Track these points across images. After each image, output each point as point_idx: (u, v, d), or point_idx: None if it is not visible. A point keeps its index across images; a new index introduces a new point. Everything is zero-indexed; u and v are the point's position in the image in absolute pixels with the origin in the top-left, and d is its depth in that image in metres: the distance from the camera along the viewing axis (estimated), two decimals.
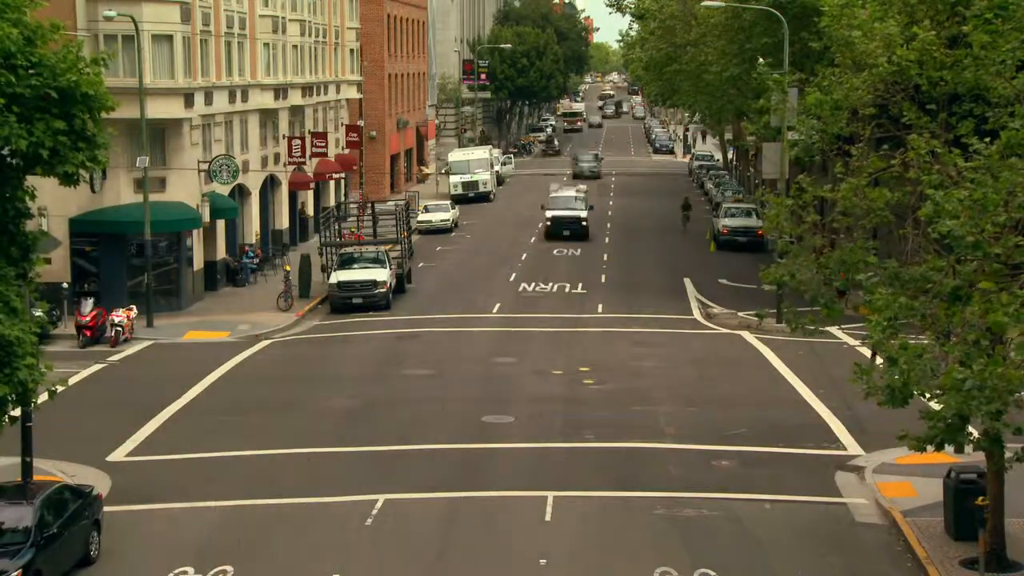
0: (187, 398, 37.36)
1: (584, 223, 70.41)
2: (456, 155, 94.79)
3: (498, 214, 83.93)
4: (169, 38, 49.21)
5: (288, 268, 54.73)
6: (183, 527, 26.57)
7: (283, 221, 65.87)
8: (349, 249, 54.90)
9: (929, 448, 22.16)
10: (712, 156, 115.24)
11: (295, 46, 66.24)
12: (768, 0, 53.16)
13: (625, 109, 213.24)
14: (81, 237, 49.00)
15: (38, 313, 26.06)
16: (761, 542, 25.62)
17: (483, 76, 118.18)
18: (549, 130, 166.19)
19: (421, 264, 62.19)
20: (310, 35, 69.49)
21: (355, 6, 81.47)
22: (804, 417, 34.78)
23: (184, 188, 51.44)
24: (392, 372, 40.73)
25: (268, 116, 62.90)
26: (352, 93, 79.88)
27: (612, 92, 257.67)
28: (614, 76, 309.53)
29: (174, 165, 51.13)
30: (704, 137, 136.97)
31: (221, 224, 55.79)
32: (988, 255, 21.58)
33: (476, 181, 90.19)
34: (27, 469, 27.31)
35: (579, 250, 66.90)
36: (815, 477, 29.58)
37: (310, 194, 70.57)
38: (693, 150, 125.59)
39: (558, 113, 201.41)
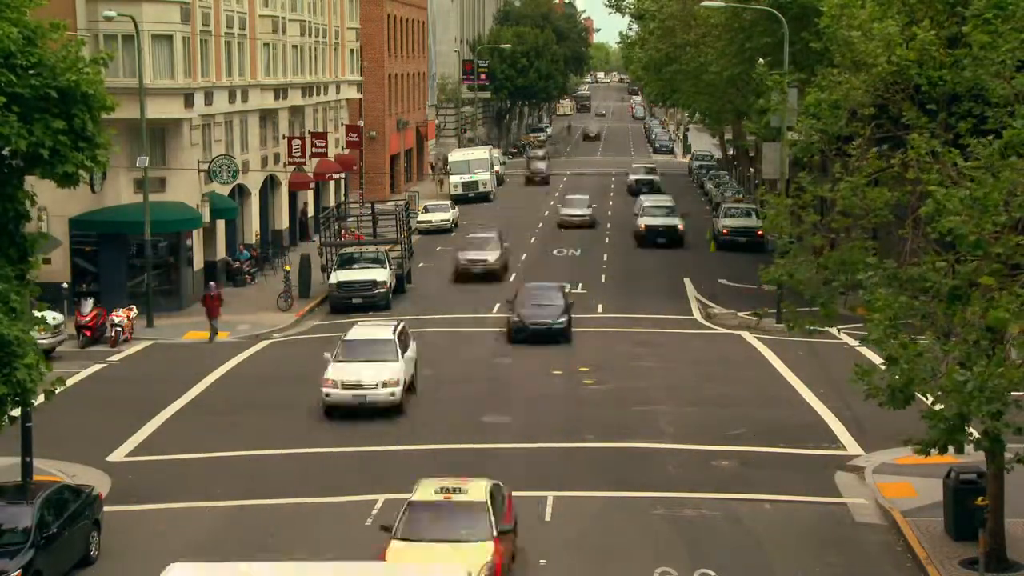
0: (187, 398, 37.37)
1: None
2: (456, 155, 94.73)
3: (498, 214, 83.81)
4: (169, 38, 49.21)
5: (288, 268, 54.69)
6: (183, 527, 26.58)
7: (283, 221, 65.85)
8: (349, 249, 54.87)
9: (933, 452, 22.08)
10: (712, 156, 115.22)
11: (295, 46, 66.22)
12: (768, 0, 53.13)
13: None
14: (81, 237, 49.00)
15: (38, 314, 26.02)
16: (761, 542, 25.62)
17: (483, 76, 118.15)
18: (548, 130, 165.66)
19: (421, 264, 62.15)
20: (310, 35, 69.46)
21: (355, 6, 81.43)
22: (804, 417, 34.78)
23: (184, 188, 51.43)
24: None
25: (268, 116, 62.88)
26: (352, 93, 79.84)
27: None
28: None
29: (174, 165, 51.13)
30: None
31: (221, 224, 55.79)
32: (988, 254, 21.56)
33: (476, 181, 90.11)
34: (27, 469, 27.31)
35: (579, 250, 66.89)
36: (815, 477, 29.57)
37: (310, 194, 70.55)
38: (693, 150, 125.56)
39: (557, 114, 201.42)
